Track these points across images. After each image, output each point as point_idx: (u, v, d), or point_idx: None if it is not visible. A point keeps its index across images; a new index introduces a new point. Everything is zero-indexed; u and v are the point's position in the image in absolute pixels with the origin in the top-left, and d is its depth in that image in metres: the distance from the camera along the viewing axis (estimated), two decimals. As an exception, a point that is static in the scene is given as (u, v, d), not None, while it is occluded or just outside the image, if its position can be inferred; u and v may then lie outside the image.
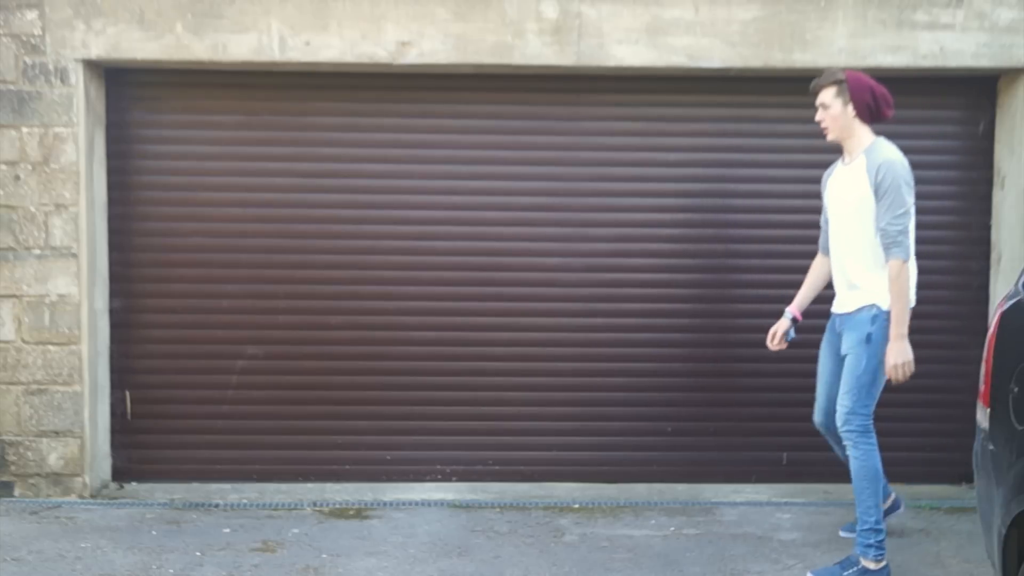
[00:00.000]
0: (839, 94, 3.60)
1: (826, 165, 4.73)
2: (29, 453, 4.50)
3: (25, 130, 4.40)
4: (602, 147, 4.71)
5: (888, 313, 3.51)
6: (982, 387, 2.89)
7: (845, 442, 3.61)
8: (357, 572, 3.67)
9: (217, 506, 4.45)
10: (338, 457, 4.76)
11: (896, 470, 4.80)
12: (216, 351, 4.70)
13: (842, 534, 4.01)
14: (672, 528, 4.19)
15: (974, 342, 4.60)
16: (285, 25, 4.38)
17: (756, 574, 3.67)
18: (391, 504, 4.49)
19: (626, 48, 4.43)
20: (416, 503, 4.51)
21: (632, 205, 4.74)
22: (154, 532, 4.08)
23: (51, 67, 4.38)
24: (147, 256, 4.68)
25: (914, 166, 4.73)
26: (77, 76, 4.39)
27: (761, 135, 4.71)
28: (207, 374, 4.70)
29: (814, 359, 4.78)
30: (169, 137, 4.67)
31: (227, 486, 4.69)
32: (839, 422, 3.61)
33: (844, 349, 3.64)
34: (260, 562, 3.76)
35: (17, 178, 4.42)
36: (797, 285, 4.74)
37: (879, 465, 3.58)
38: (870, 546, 3.56)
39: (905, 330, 3.47)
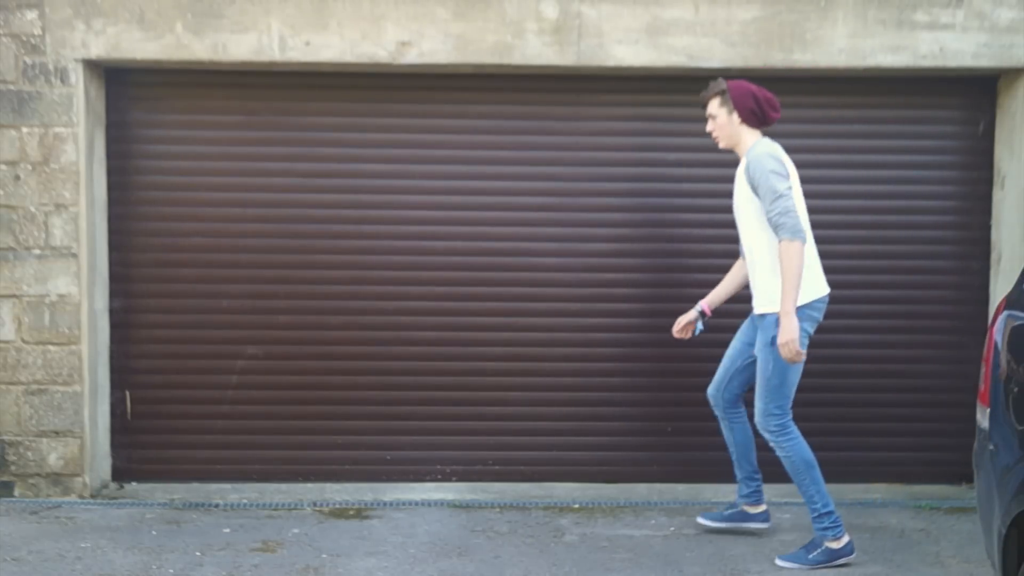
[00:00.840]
0: (723, 103, 3.69)
1: (827, 166, 4.76)
2: (29, 453, 4.50)
3: (25, 130, 4.40)
4: (602, 147, 4.71)
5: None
6: (982, 387, 2.89)
7: (770, 444, 3.74)
8: (357, 572, 3.67)
9: (217, 506, 4.45)
10: (338, 457, 4.76)
11: (896, 470, 4.82)
12: (216, 351, 4.70)
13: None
14: (672, 528, 4.19)
15: (974, 342, 4.60)
16: (285, 25, 4.38)
17: (756, 574, 3.67)
18: (391, 504, 4.49)
19: (626, 48, 4.43)
20: (416, 503, 4.51)
21: (632, 205, 4.74)
22: (154, 532, 4.08)
23: (51, 67, 4.38)
24: (147, 256, 4.68)
25: (914, 166, 4.76)
26: (77, 76, 4.39)
27: (761, 135, 4.71)
28: (207, 374, 4.70)
29: (813, 359, 4.79)
30: (169, 137, 4.67)
31: (227, 486, 4.69)
32: (758, 423, 3.73)
33: (755, 350, 3.76)
34: (260, 562, 3.75)
35: (17, 178, 4.42)
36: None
37: (809, 455, 3.69)
38: (827, 528, 3.69)
39: (791, 307, 3.52)
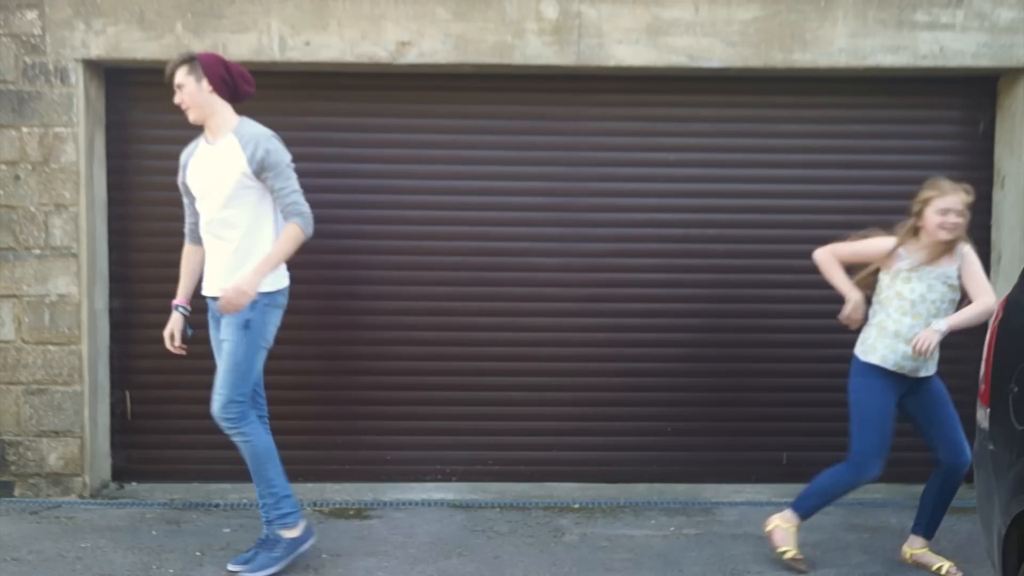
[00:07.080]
0: (191, 71, 3.58)
1: (827, 166, 4.75)
2: (29, 453, 4.50)
3: (25, 130, 4.40)
4: (602, 147, 4.71)
5: (268, 296, 3.53)
6: (982, 387, 2.89)
7: (227, 432, 3.58)
8: (357, 572, 3.67)
9: (217, 506, 4.45)
10: (338, 457, 4.76)
11: (896, 470, 4.79)
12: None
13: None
14: (672, 528, 4.19)
15: (974, 342, 4.57)
16: (285, 25, 4.38)
17: (756, 574, 3.67)
18: (391, 504, 4.49)
19: (626, 48, 4.43)
20: (416, 503, 4.51)
21: (632, 205, 4.74)
22: (154, 532, 4.07)
23: (51, 67, 4.38)
24: (147, 256, 4.67)
25: (914, 166, 4.76)
26: (77, 76, 4.39)
27: (761, 135, 4.71)
28: (207, 374, 4.65)
29: (814, 360, 4.80)
30: (169, 137, 4.65)
31: (227, 486, 4.68)
32: (217, 412, 3.55)
33: (222, 335, 3.60)
34: (260, 562, 3.75)
35: (17, 178, 4.42)
36: (797, 285, 4.77)
37: (270, 441, 3.63)
38: (287, 515, 3.62)
39: (266, 272, 3.48)
